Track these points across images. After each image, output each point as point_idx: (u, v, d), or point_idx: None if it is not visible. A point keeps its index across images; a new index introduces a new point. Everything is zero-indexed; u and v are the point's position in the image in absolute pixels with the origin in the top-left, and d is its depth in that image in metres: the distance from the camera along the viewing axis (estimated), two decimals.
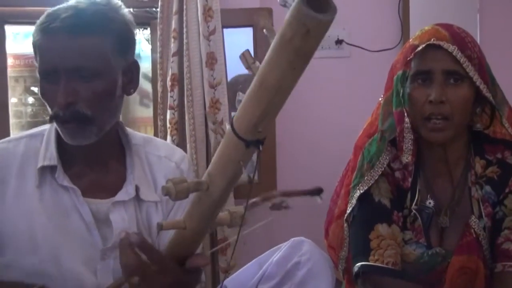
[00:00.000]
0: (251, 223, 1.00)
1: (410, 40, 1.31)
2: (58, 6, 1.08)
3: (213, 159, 0.80)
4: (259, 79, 0.68)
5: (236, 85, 2.33)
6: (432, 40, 1.24)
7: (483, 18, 2.44)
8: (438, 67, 1.23)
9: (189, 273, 0.93)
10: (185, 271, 0.92)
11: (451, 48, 1.22)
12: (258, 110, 0.69)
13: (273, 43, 0.65)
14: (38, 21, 1.08)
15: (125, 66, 1.14)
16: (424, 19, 2.26)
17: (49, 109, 1.11)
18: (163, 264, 0.89)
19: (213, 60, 2.06)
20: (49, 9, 1.08)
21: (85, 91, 1.06)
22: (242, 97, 0.74)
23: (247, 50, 0.73)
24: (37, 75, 1.10)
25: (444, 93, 1.22)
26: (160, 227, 0.84)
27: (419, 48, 1.24)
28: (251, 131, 0.71)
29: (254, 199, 1.09)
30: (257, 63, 0.72)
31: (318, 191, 0.95)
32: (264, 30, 0.69)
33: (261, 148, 0.74)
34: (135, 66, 1.18)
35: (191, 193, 0.80)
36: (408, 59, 1.27)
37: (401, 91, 1.28)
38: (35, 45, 1.09)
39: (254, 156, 0.76)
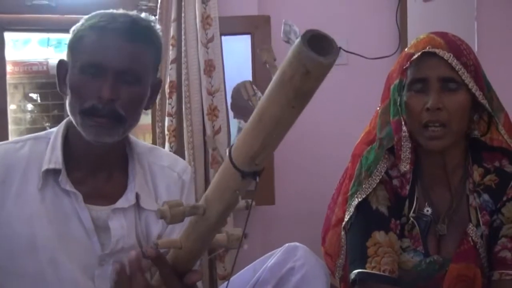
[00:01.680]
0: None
1: (406, 49, 1.32)
2: (110, 11, 1.15)
3: (211, 184, 0.80)
4: (258, 113, 0.68)
5: (240, 93, 2.34)
6: (427, 48, 1.24)
7: (481, 26, 2.44)
8: (434, 75, 1.23)
9: None
10: (185, 287, 0.93)
11: (447, 55, 1.22)
12: (256, 144, 0.69)
13: (273, 79, 0.64)
14: (90, 19, 1.13)
15: (154, 81, 1.20)
16: (421, 27, 2.27)
17: (68, 107, 1.12)
18: (171, 279, 0.91)
19: (211, 67, 2.06)
20: (100, 11, 1.15)
21: (124, 93, 1.10)
22: (243, 125, 0.74)
23: (249, 81, 0.74)
24: (72, 67, 1.11)
25: (440, 100, 1.22)
26: (156, 246, 0.85)
27: (415, 56, 1.25)
28: (248, 163, 0.71)
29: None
30: (258, 94, 0.72)
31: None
32: (266, 65, 0.69)
33: (257, 180, 0.74)
34: (159, 84, 1.25)
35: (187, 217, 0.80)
36: (404, 67, 1.27)
37: (398, 100, 1.29)
38: (80, 38, 1.12)
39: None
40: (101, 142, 1.10)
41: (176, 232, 1.18)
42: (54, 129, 1.20)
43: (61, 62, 1.17)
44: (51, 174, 1.12)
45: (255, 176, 0.73)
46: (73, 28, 1.15)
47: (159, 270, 0.91)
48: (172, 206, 0.78)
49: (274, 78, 0.64)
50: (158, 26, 1.20)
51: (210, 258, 2.07)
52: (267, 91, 0.66)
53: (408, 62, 1.26)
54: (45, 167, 1.12)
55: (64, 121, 1.20)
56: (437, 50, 1.23)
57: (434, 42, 1.25)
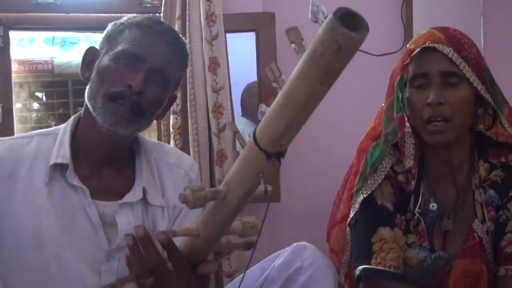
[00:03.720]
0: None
1: (408, 45, 1.32)
2: (155, 18, 1.23)
3: (232, 168, 0.81)
4: (286, 93, 0.68)
5: (251, 94, 2.35)
6: (427, 43, 1.24)
7: (487, 22, 2.43)
8: (435, 69, 1.23)
9: (200, 278, 0.94)
10: (197, 277, 0.92)
11: (447, 50, 1.22)
12: (283, 124, 0.70)
13: (302, 59, 0.65)
14: (136, 18, 1.18)
15: (171, 96, 1.24)
16: (427, 23, 2.25)
17: (88, 91, 1.14)
18: (180, 266, 0.91)
19: (216, 64, 2.07)
20: (146, 15, 1.21)
21: (151, 91, 1.13)
22: (265, 109, 0.75)
23: (274, 63, 0.74)
24: (107, 52, 1.15)
25: (442, 95, 1.21)
26: (174, 234, 0.85)
27: (415, 52, 1.25)
28: (273, 144, 0.72)
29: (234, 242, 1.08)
30: (284, 76, 0.72)
31: (248, 246, 0.96)
32: (293, 45, 0.69)
33: (281, 161, 0.74)
34: (174, 100, 1.29)
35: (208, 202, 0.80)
36: (405, 63, 1.27)
37: (400, 96, 1.29)
38: (122, 30, 1.16)
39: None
40: (114, 132, 1.11)
41: (185, 225, 1.19)
42: (61, 126, 1.21)
43: (90, 48, 1.20)
44: (59, 169, 1.13)
45: (279, 156, 0.73)
46: (114, 22, 1.19)
47: (170, 256, 0.90)
48: (194, 190, 0.78)
49: (304, 56, 0.65)
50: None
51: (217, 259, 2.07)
52: (295, 70, 0.66)
53: (409, 58, 1.26)
54: (52, 161, 1.12)
55: (72, 117, 1.21)
56: (436, 45, 1.23)
57: (434, 37, 1.24)
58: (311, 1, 0.66)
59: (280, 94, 0.70)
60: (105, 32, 1.19)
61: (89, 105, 1.14)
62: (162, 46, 1.15)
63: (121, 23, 1.17)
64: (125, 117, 1.10)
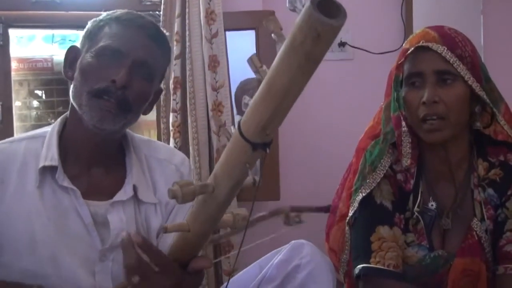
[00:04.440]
0: (257, 234, 1.00)
1: (403, 44, 1.32)
2: (133, 11, 1.20)
3: (219, 161, 0.80)
4: (267, 83, 0.69)
5: (245, 90, 2.34)
6: (421, 42, 1.24)
7: (487, 20, 2.43)
8: (429, 68, 1.23)
9: (191, 275, 0.94)
10: (187, 273, 0.92)
11: (440, 48, 1.22)
12: (266, 114, 0.70)
13: (282, 48, 0.65)
14: (114, 13, 1.17)
15: (157, 88, 1.23)
16: (427, 21, 2.25)
17: (72, 89, 1.14)
18: (165, 265, 0.90)
19: (215, 63, 2.07)
20: (124, 10, 1.20)
21: (136, 84, 1.12)
22: (249, 100, 0.75)
23: (255, 54, 0.74)
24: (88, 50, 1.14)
25: (436, 93, 1.22)
26: (165, 230, 0.85)
27: (409, 51, 1.25)
28: (258, 134, 0.72)
29: (261, 214, 1.11)
30: (265, 67, 0.72)
31: (327, 209, 0.97)
32: (273, 35, 0.69)
33: (268, 151, 0.74)
34: (160, 93, 1.28)
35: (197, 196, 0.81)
36: (399, 62, 1.28)
37: (395, 95, 1.29)
38: (101, 27, 1.15)
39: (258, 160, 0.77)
40: (101, 128, 1.10)
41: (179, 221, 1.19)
42: (49, 128, 1.20)
43: (72, 47, 1.19)
44: (48, 171, 1.12)
45: (265, 147, 0.73)
46: (93, 19, 1.18)
47: (149, 257, 0.90)
48: (182, 185, 0.78)
49: (284, 45, 0.65)
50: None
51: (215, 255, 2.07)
52: (276, 60, 0.67)
53: (404, 57, 1.27)
54: (41, 164, 1.11)
55: (59, 118, 1.21)
56: (430, 44, 1.23)
57: (428, 36, 1.25)
58: None
59: (262, 84, 0.70)
60: (85, 29, 1.18)
61: (74, 104, 1.13)
62: (144, 39, 1.14)
63: (101, 20, 1.16)
64: (111, 112, 1.09)
